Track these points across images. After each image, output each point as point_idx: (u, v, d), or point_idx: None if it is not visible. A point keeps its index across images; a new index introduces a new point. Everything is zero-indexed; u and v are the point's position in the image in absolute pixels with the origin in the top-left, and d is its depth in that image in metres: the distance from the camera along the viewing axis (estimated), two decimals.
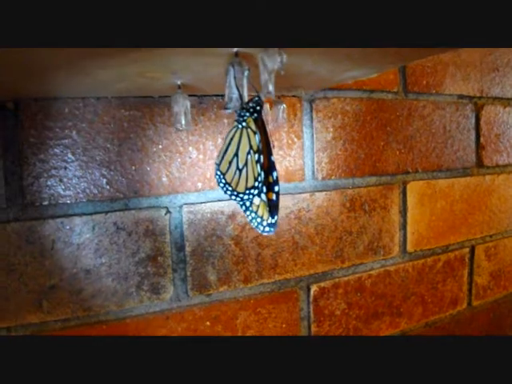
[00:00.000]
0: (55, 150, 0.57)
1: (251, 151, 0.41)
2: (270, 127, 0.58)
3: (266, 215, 0.42)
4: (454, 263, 0.89)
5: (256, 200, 0.42)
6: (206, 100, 0.64)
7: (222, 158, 0.42)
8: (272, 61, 0.32)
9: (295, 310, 0.71)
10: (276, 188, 0.42)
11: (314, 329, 0.72)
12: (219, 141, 0.65)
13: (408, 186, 0.80)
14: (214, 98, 0.64)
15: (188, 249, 0.64)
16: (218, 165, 0.42)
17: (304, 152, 0.70)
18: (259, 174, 0.41)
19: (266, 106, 0.57)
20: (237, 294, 0.67)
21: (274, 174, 0.42)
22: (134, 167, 0.61)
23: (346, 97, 0.73)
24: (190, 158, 0.64)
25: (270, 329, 0.69)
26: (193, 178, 0.64)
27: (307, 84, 0.56)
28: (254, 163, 0.40)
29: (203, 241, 0.65)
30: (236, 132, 0.41)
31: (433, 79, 0.82)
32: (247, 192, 0.42)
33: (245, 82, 0.36)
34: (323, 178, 0.72)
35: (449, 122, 0.85)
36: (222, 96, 0.65)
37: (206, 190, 0.65)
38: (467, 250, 0.90)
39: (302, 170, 0.70)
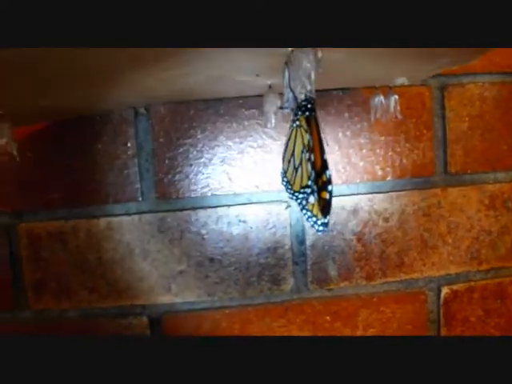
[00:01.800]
0: (182, 148, 0.62)
1: (304, 150, 0.40)
2: (382, 119, 0.55)
3: (319, 214, 0.41)
4: None
5: (311, 199, 0.41)
6: (326, 95, 0.63)
7: (284, 156, 0.42)
8: (307, 60, 0.31)
9: (423, 312, 0.66)
10: (329, 187, 0.40)
11: (443, 333, 0.66)
12: (340, 135, 0.63)
13: None
14: (334, 93, 0.63)
15: (308, 242, 0.64)
16: (283, 162, 0.42)
17: (434, 144, 0.64)
18: (311, 173, 0.39)
19: (380, 98, 0.55)
20: (358, 290, 0.65)
21: (327, 172, 0.40)
22: (254, 163, 0.63)
23: (485, 81, 0.64)
24: None
25: (393, 329, 0.65)
26: None
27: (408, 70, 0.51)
28: (306, 162, 0.40)
29: (324, 235, 0.64)
30: (292, 131, 0.40)
31: None
32: (301, 191, 0.41)
33: (298, 82, 0.35)
34: (457, 172, 0.65)
35: None
36: (343, 90, 0.63)
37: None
38: None
39: (432, 164, 0.64)
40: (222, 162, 0.62)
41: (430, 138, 0.64)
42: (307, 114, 0.39)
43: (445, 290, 0.66)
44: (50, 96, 0.47)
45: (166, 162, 0.62)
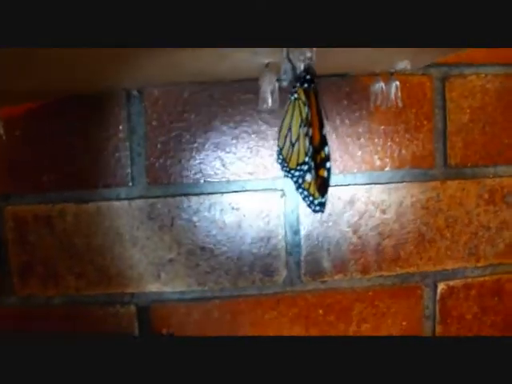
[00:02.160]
0: (175, 132, 0.60)
1: (302, 124, 0.38)
2: (382, 106, 0.53)
3: (316, 194, 0.39)
4: None
5: (308, 177, 0.39)
6: (324, 80, 0.61)
7: (280, 132, 0.40)
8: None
9: (418, 308, 0.64)
10: (328, 164, 0.38)
11: (438, 330, 0.64)
12: (338, 122, 0.62)
13: None
14: (333, 79, 0.61)
15: (303, 233, 0.62)
16: (278, 139, 0.40)
17: (434, 135, 0.63)
18: (308, 148, 0.37)
19: (380, 84, 0.53)
20: (353, 283, 0.63)
21: (326, 148, 0.38)
22: (249, 150, 0.61)
23: (488, 73, 0.62)
24: None
25: (387, 325, 0.63)
26: None
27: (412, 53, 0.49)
28: (304, 137, 0.37)
29: (318, 225, 0.62)
30: (290, 104, 0.38)
31: None
32: (298, 168, 0.39)
33: (297, 52, 0.34)
34: (457, 165, 0.63)
35: None
36: (342, 76, 0.61)
37: None
38: None
39: (431, 156, 0.63)
40: (215, 147, 0.60)
41: (430, 130, 0.62)
42: (306, 85, 0.37)
43: (441, 286, 0.64)
44: (37, 77, 0.45)
45: (159, 146, 0.60)
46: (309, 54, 0.33)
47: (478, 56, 0.62)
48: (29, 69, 0.40)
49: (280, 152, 0.40)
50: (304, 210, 0.62)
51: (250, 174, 0.61)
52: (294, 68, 0.36)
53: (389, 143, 0.62)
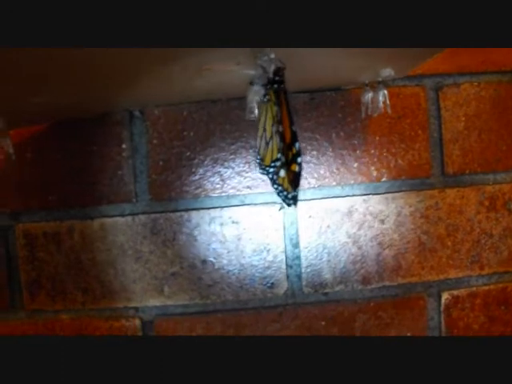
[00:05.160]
0: (175, 150, 0.61)
1: (274, 123, 0.39)
2: (373, 114, 0.54)
3: (289, 188, 0.40)
4: None
5: (281, 173, 0.40)
6: (319, 95, 0.62)
7: (257, 134, 0.41)
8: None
9: (422, 319, 0.62)
10: (299, 159, 0.39)
11: None
12: (333, 136, 0.62)
13: None
14: (328, 93, 0.62)
15: (302, 245, 0.62)
16: (256, 141, 0.42)
17: (431, 144, 0.62)
18: (279, 145, 0.38)
19: (369, 94, 0.53)
20: (355, 295, 0.62)
21: (297, 144, 0.39)
22: (247, 164, 0.62)
23: (481, 81, 0.62)
24: (304, 154, 0.62)
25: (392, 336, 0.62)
26: (306, 174, 0.61)
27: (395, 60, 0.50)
28: (275, 135, 0.39)
29: (318, 238, 0.62)
30: (263, 106, 0.40)
31: None
32: (272, 165, 0.40)
33: (267, 57, 0.35)
34: (455, 173, 0.62)
35: None
36: (336, 90, 0.62)
37: (322, 187, 0.62)
38: None
39: (428, 165, 0.62)
40: (214, 163, 0.61)
41: (426, 139, 0.61)
42: (275, 86, 0.39)
43: (445, 296, 0.62)
44: (45, 93, 0.48)
45: (160, 163, 0.61)
46: (273, 56, 0.34)
47: (470, 64, 0.61)
48: (38, 85, 0.43)
49: (258, 152, 0.42)
50: (303, 222, 0.62)
51: (249, 188, 0.62)
52: (265, 72, 0.37)
53: (385, 154, 0.62)
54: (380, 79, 0.52)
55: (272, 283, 0.62)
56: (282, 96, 0.39)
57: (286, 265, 0.62)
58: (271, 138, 0.40)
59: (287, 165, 0.39)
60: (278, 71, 0.37)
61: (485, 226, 0.62)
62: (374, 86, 0.54)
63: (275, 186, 0.41)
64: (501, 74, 0.62)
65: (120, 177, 0.61)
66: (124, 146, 0.61)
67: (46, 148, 0.61)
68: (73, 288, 0.61)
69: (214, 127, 0.61)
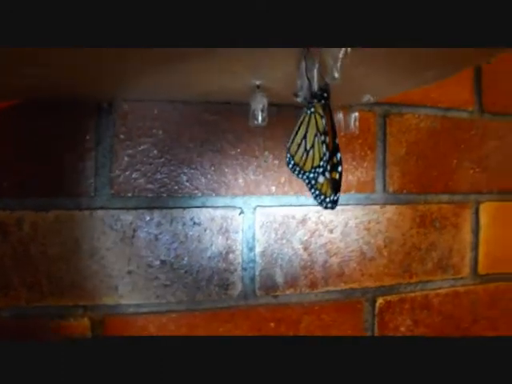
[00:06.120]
0: (142, 146, 0.60)
1: (318, 134, 0.42)
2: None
3: (329, 192, 0.44)
4: None
5: (321, 178, 0.43)
6: (285, 109, 0.65)
7: (292, 141, 0.43)
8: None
9: (359, 321, 0.68)
10: (339, 168, 0.43)
11: None
12: None
13: (481, 207, 0.75)
14: (293, 108, 0.66)
15: (258, 249, 0.64)
16: (289, 148, 0.44)
17: (376, 164, 0.69)
18: (324, 154, 0.42)
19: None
20: (303, 298, 0.66)
21: (338, 155, 0.43)
22: (212, 167, 0.63)
23: (421, 113, 0.71)
24: (266, 162, 0.65)
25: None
26: (267, 182, 0.64)
27: (375, 88, 0.55)
28: (320, 144, 0.42)
29: (273, 243, 0.65)
30: (305, 117, 0.42)
31: (510, 101, 0.79)
32: (313, 171, 0.43)
33: (315, 72, 0.38)
34: (394, 192, 0.70)
35: None
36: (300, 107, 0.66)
37: (280, 195, 0.65)
38: None
39: (373, 182, 0.69)
40: (180, 163, 0.61)
41: (373, 159, 0.69)
42: (323, 101, 0.42)
43: (379, 301, 0.69)
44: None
45: (125, 158, 0.59)
46: (336, 75, 0.37)
47: (414, 98, 0.70)
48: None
49: (292, 158, 0.44)
50: (260, 227, 0.64)
51: (212, 190, 0.63)
52: (310, 86, 0.40)
53: None
54: (358, 102, 0.57)
55: (227, 285, 0.63)
56: (327, 110, 0.42)
57: (242, 267, 0.64)
58: (312, 146, 0.42)
59: (329, 172, 0.42)
60: (326, 86, 0.41)
61: (415, 240, 0.70)
62: (345, 108, 0.59)
63: (312, 191, 0.44)
64: (437, 109, 0.71)
65: (81, 169, 0.58)
66: (88, 137, 0.58)
67: (4, 127, 0.56)
68: (17, 284, 0.56)
69: (184, 128, 0.61)
